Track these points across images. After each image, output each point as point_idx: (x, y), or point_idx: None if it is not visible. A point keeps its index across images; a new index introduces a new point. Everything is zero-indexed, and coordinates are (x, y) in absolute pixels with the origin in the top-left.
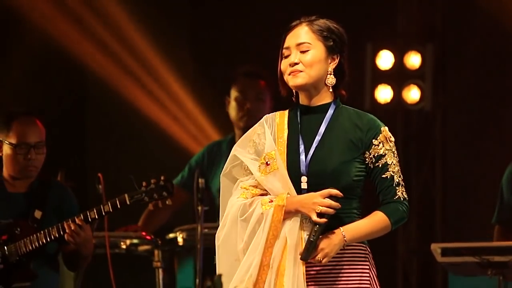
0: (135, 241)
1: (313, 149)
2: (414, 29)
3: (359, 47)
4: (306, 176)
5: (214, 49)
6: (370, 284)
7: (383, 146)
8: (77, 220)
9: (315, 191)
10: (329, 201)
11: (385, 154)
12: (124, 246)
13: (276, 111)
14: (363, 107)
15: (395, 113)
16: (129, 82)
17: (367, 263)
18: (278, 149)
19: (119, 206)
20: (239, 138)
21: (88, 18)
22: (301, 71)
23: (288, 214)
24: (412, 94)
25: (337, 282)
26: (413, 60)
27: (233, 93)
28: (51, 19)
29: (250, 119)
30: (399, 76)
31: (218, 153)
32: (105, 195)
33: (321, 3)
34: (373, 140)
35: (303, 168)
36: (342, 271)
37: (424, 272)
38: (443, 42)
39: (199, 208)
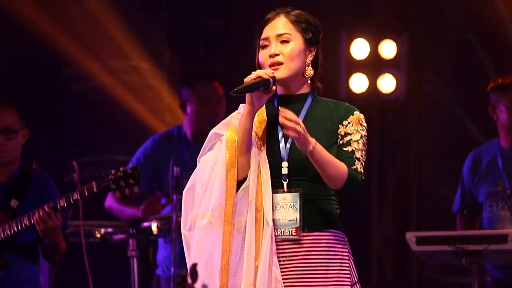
0: (109, 230)
1: None
2: (389, 17)
3: (333, 36)
4: (287, 162)
5: (191, 38)
6: (349, 270)
7: (351, 126)
8: (46, 208)
9: (295, 176)
10: None
11: (352, 133)
12: (98, 235)
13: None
14: (338, 96)
15: (370, 102)
16: (104, 70)
17: (346, 249)
18: (257, 136)
19: (87, 194)
20: (192, 134)
21: (61, 5)
22: (281, 63)
23: (245, 118)
24: (387, 83)
25: (317, 268)
26: (388, 49)
27: (188, 95)
28: (23, 7)
29: (207, 121)
30: (374, 65)
31: (168, 145)
32: (79, 184)
33: None
34: (344, 121)
35: (283, 153)
36: (322, 254)
37: (399, 261)
38: (417, 31)
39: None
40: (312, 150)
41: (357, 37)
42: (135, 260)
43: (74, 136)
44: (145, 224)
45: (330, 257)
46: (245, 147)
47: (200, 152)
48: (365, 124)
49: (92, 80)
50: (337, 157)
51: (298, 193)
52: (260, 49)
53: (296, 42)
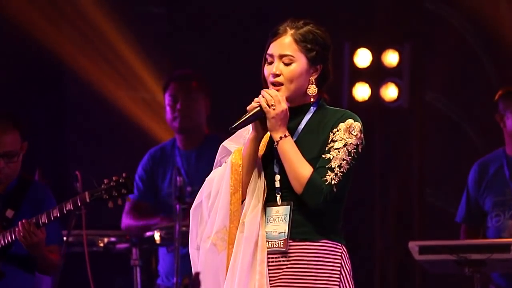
0: (112, 239)
1: None
2: (392, 27)
3: (337, 45)
4: (279, 175)
5: (190, 48)
6: (339, 282)
7: (339, 133)
8: (25, 224)
9: (288, 190)
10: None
11: (337, 140)
12: (101, 245)
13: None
14: (341, 105)
15: (373, 111)
16: (107, 79)
17: (339, 262)
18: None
19: (79, 204)
20: (180, 140)
21: (66, 17)
22: (282, 84)
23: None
24: (390, 92)
25: (305, 278)
26: (391, 58)
27: (166, 99)
28: (28, 18)
29: (183, 119)
30: (376, 74)
31: (163, 157)
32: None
33: (298, 2)
34: (334, 129)
35: (276, 167)
36: (311, 267)
37: (401, 270)
38: (420, 40)
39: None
40: (279, 140)
41: (360, 47)
42: (138, 269)
43: (76, 145)
44: (148, 233)
45: (319, 267)
46: (250, 172)
47: (214, 164)
48: (355, 133)
49: (95, 90)
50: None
51: (289, 206)
52: (266, 63)
53: (298, 63)
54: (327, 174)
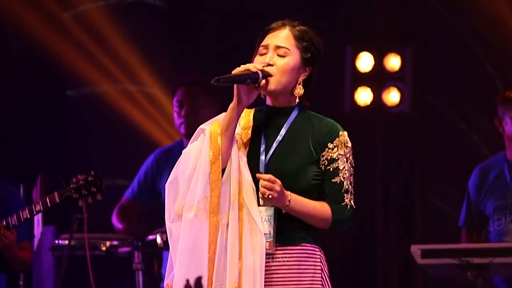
0: (115, 243)
1: (273, 150)
2: (394, 31)
3: (339, 50)
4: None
5: (193, 52)
6: (322, 285)
7: (337, 150)
8: (4, 222)
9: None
10: None
11: (338, 159)
12: (104, 248)
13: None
14: (343, 109)
15: (375, 115)
16: (108, 83)
17: (319, 264)
18: (241, 139)
19: (49, 205)
20: (187, 143)
21: (67, 21)
22: (271, 75)
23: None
24: (392, 96)
25: (289, 281)
26: (393, 62)
27: (174, 104)
28: (31, 23)
29: (189, 124)
30: (379, 78)
31: (169, 159)
32: (85, 200)
33: (302, 5)
34: (329, 144)
35: (261, 167)
36: (294, 269)
37: (404, 273)
38: (422, 44)
39: None
40: (288, 204)
41: (362, 51)
42: (140, 273)
43: (78, 150)
44: (150, 237)
45: (301, 270)
46: (229, 139)
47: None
48: (349, 144)
49: (98, 95)
50: (324, 187)
51: (273, 207)
52: (258, 55)
53: (293, 58)
54: (345, 198)
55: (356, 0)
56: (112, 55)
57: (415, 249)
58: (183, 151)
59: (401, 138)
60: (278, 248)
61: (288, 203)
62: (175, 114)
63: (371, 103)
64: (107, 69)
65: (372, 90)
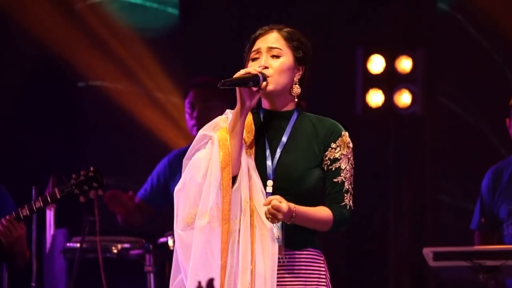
0: (126, 245)
1: (279, 154)
2: (405, 33)
3: (350, 52)
4: (272, 180)
5: (206, 54)
6: (327, 285)
7: (340, 150)
8: (8, 218)
9: (279, 194)
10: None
11: (340, 159)
12: (115, 251)
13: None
14: (355, 111)
15: (386, 117)
16: (121, 84)
17: (323, 266)
18: (245, 143)
19: (50, 201)
20: None
21: (78, 18)
22: (269, 77)
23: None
24: (403, 98)
25: (295, 284)
26: (404, 64)
27: (186, 106)
28: (43, 22)
29: (200, 127)
30: (390, 81)
31: (181, 162)
32: (96, 199)
33: (312, 8)
34: (332, 143)
35: (269, 172)
36: (301, 273)
37: (416, 276)
38: (434, 46)
39: None
40: (294, 217)
41: (374, 53)
42: (151, 276)
43: (91, 152)
44: (162, 239)
45: (307, 275)
46: (238, 145)
47: (187, 153)
48: (351, 145)
49: (109, 93)
50: (325, 186)
51: None
52: (250, 61)
53: (287, 58)
54: (345, 198)
55: (367, 2)
56: (127, 54)
57: (427, 252)
58: (192, 159)
59: (413, 140)
60: (286, 253)
61: (292, 218)
62: (187, 116)
63: (383, 105)
64: (120, 67)
65: (384, 92)
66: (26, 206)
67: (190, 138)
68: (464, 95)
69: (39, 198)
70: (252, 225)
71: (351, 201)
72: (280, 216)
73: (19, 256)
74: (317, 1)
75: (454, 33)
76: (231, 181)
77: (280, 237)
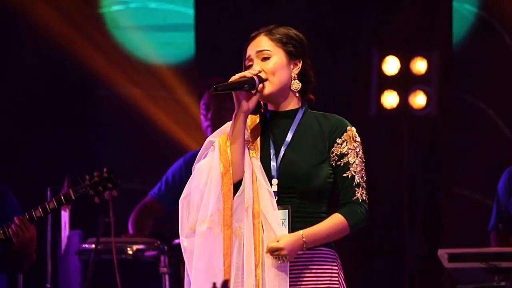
0: (141, 247)
1: (283, 153)
2: (420, 34)
3: (365, 53)
4: (277, 179)
5: (219, 55)
6: (339, 284)
7: (346, 144)
8: (21, 218)
9: (285, 193)
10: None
11: (348, 153)
12: (130, 252)
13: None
14: (369, 112)
15: (401, 118)
16: (134, 86)
17: (336, 265)
18: (251, 143)
19: (64, 202)
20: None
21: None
22: (266, 80)
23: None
24: (418, 99)
25: (307, 283)
26: (419, 65)
27: (201, 107)
28: (53, 24)
29: (215, 128)
30: (405, 82)
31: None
32: (111, 200)
33: (326, 10)
34: (337, 139)
35: (273, 171)
36: (312, 272)
37: (431, 278)
38: (448, 48)
39: None
40: (306, 243)
41: (389, 55)
42: (166, 277)
43: (105, 153)
44: (177, 241)
45: (318, 274)
46: (239, 149)
47: (196, 160)
48: (358, 139)
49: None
50: (337, 183)
51: (287, 210)
52: (246, 70)
53: (277, 56)
54: (356, 192)
55: (382, 3)
56: (139, 59)
57: (442, 253)
58: (196, 166)
59: (428, 141)
60: None
61: (305, 245)
62: (202, 117)
63: (397, 106)
64: (134, 71)
65: (398, 94)
66: (39, 207)
67: (205, 140)
68: (479, 95)
69: (53, 199)
70: (256, 227)
71: (363, 195)
72: (285, 252)
73: (27, 258)
74: (333, 3)
75: (470, 34)
76: (232, 186)
77: None
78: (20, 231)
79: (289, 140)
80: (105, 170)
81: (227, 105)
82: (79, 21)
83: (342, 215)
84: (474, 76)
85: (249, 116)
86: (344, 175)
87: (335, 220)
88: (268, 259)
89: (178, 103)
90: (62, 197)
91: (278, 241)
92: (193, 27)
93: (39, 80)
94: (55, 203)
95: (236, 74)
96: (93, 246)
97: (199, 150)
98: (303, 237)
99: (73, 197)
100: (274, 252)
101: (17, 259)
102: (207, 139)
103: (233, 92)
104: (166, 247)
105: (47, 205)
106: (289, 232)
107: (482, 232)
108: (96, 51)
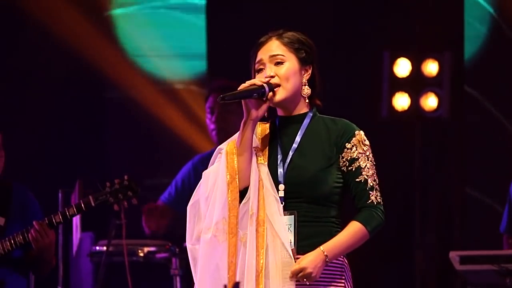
0: (152, 249)
1: (290, 158)
2: (431, 36)
3: (376, 55)
4: (284, 184)
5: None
6: None
7: (356, 149)
8: (40, 223)
9: (292, 198)
10: None
11: (358, 158)
12: (141, 254)
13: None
14: (381, 115)
15: (412, 120)
16: (147, 90)
17: (343, 277)
18: (260, 150)
19: (84, 209)
20: None
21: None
22: (278, 85)
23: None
24: (430, 101)
25: None
26: (431, 67)
27: (206, 110)
28: (74, 30)
29: (219, 131)
30: (416, 84)
31: (205, 167)
32: (123, 209)
33: (338, 13)
34: (346, 144)
35: (281, 178)
36: (316, 284)
37: (442, 280)
38: (460, 50)
39: None
40: (329, 258)
41: (400, 56)
42: (178, 279)
43: (117, 156)
44: None
45: (325, 281)
46: (246, 157)
47: (209, 166)
48: (367, 142)
49: (136, 98)
50: (350, 188)
51: (293, 216)
52: (256, 74)
53: (291, 62)
54: (371, 195)
55: (393, 6)
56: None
57: (454, 255)
58: (203, 173)
59: (439, 143)
60: (298, 256)
61: (327, 259)
62: (207, 121)
63: (409, 108)
64: (146, 73)
65: (410, 96)
66: (59, 213)
67: (214, 143)
68: (491, 97)
69: (73, 205)
70: (259, 234)
71: (378, 197)
72: (309, 270)
73: (46, 263)
74: (344, 5)
75: (480, 36)
76: (238, 195)
77: (292, 240)
78: (39, 237)
79: (296, 145)
80: (125, 177)
81: (232, 108)
82: (90, 25)
83: (359, 222)
84: (486, 78)
85: (260, 123)
86: (357, 180)
87: (354, 228)
88: (273, 268)
89: (187, 106)
90: (83, 204)
91: (299, 265)
92: (204, 29)
93: (51, 83)
94: (75, 209)
95: (246, 82)
96: (105, 248)
97: (207, 153)
98: (324, 252)
99: (93, 204)
100: (298, 274)
101: (36, 263)
102: (218, 148)
103: (242, 100)
104: (177, 249)
105: (67, 211)
106: (294, 237)
107: (494, 234)
108: (105, 54)
